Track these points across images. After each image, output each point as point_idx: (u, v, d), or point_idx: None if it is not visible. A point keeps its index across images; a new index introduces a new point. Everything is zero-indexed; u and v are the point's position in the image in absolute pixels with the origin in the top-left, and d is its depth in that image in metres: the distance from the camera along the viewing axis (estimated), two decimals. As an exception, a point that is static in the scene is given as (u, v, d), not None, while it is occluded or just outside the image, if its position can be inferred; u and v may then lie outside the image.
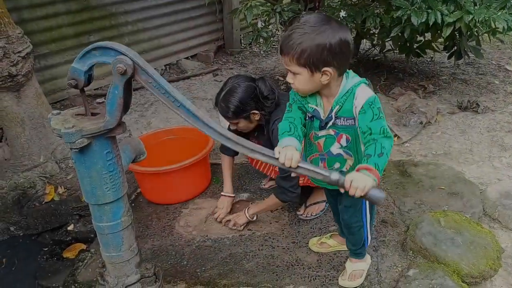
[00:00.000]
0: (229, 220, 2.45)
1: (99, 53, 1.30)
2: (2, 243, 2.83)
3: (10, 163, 3.15)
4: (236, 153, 2.56)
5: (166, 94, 1.33)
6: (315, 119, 1.62)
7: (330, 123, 1.58)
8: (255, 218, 2.41)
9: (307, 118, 1.65)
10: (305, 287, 2.01)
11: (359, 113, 1.50)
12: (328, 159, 1.67)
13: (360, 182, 1.32)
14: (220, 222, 2.49)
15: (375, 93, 1.69)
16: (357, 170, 1.38)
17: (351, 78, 1.54)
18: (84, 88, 1.36)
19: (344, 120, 1.56)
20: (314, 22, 1.44)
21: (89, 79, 1.35)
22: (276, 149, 1.41)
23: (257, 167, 2.60)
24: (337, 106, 1.54)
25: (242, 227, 2.41)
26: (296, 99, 1.63)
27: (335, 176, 1.34)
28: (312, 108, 1.59)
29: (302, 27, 1.43)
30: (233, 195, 2.58)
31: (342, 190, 1.38)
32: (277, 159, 1.38)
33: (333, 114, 1.55)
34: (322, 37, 1.41)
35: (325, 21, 1.45)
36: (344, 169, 1.67)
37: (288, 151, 1.38)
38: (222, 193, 2.58)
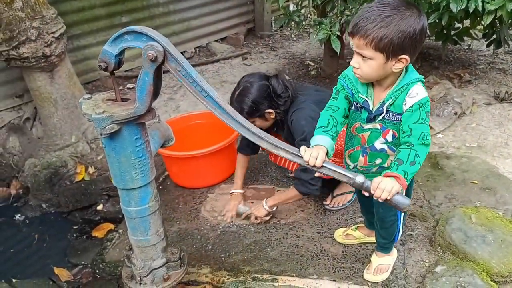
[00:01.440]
0: (248, 216, 2.41)
1: (131, 38, 1.30)
2: (34, 219, 2.93)
3: (43, 142, 3.24)
4: (253, 153, 2.54)
5: (194, 83, 1.31)
6: (363, 111, 1.55)
7: (380, 117, 1.51)
8: (275, 209, 2.36)
9: (353, 108, 1.59)
10: (329, 278, 2.00)
11: (406, 111, 1.44)
12: (370, 154, 1.62)
13: (388, 185, 1.30)
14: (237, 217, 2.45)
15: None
16: (385, 176, 1.35)
17: (410, 73, 1.47)
18: (114, 71, 1.37)
19: (393, 115, 1.49)
20: (396, 5, 1.35)
21: (119, 63, 1.35)
22: (303, 147, 1.39)
23: (277, 163, 2.56)
24: (390, 100, 1.47)
25: (268, 217, 2.37)
26: (346, 86, 1.56)
27: (360, 179, 1.32)
28: (363, 98, 1.53)
29: (383, 8, 1.34)
30: (242, 191, 2.55)
31: (366, 194, 1.35)
32: (302, 157, 1.36)
33: (384, 107, 1.49)
34: (408, 23, 1.33)
35: (407, 5, 1.37)
36: (385, 165, 1.62)
37: (314, 150, 1.35)
38: (231, 191, 2.54)
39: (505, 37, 3.77)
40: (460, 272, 1.92)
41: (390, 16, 1.33)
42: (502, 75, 4.23)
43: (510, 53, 4.72)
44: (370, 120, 1.54)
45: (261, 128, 2.25)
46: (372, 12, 1.35)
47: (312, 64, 4.66)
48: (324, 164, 1.36)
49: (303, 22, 3.44)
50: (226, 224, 2.42)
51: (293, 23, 3.50)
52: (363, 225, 2.19)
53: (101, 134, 1.33)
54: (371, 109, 1.53)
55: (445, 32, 3.93)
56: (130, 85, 1.45)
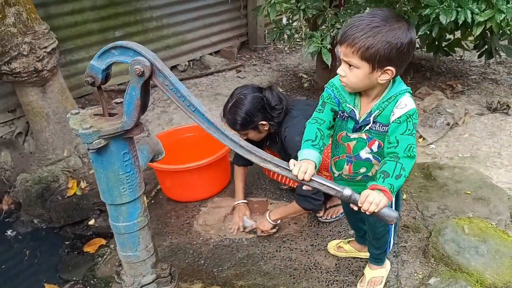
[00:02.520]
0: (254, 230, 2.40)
1: (118, 53, 1.30)
2: (26, 235, 2.90)
3: (35, 156, 3.22)
4: (249, 163, 2.53)
5: (181, 97, 1.31)
6: (349, 120, 1.55)
7: (367, 127, 1.52)
8: (279, 222, 2.34)
9: (339, 117, 1.59)
10: (322, 292, 1.98)
11: (393, 122, 1.44)
12: (355, 163, 1.62)
13: (376, 198, 1.30)
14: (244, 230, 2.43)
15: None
16: (371, 189, 1.34)
17: (398, 84, 1.48)
18: (102, 86, 1.36)
19: (380, 126, 1.49)
20: (386, 17, 1.36)
21: (106, 78, 1.35)
22: (292, 161, 1.38)
23: (270, 176, 2.55)
24: (378, 111, 1.47)
25: (274, 230, 2.34)
26: (333, 95, 1.55)
27: (347, 192, 1.32)
28: (349, 108, 1.53)
29: (372, 19, 1.35)
30: (245, 201, 2.55)
31: (355, 208, 1.35)
32: (290, 170, 1.36)
33: (371, 118, 1.49)
34: (395, 35, 1.34)
35: (396, 17, 1.38)
36: (370, 173, 1.62)
37: (303, 164, 1.35)
38: (234, 204, 2.53)
39: (496, 48, 3.80)
40: (454, 284, 1.91)
41: (379, 27, 1.34)
42: (494, 85, 4.26)
43: (501, 63, 4.76)
44: (356, 130, 1.54)
45: (254, 140, 2.28)
46: (361, 21, 1.36)
47: (305, 76, 4.68)
48: (313, 178, 1.36)
49: (295, 35, 3.46)
50: (219, 238, 2.40)
51: (285, 36, 3.52)
52: (354, 239, 2.17)
53: (88, 149, 1.33)
54: (357, 119, 1.52)
55: (436, 43, 3.96)
56: (118, 100, 1.44)
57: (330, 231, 2.36)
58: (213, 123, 1.34)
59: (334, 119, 1.60)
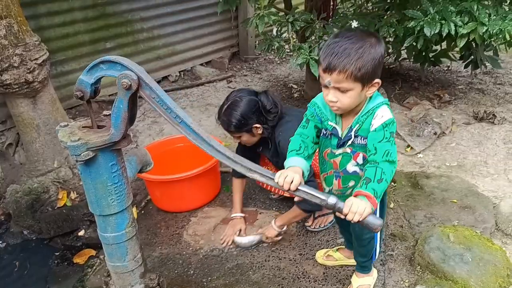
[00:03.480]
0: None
1: (106, 67, 1.33)
2: (15, 246, 2.89)
3: (25, 167, 3.21)
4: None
5: (168, 110, 1.34)
6: (333, 137, 1.60)
7: (349, 142, 1.56)
8: (285, 229, 2.35)
9: (323, 135, 1.64)
10: (310, 300, 2.00)
11: (371, 131, 1.49)
12: (343, 177, 1.66)
13: (360, 207, 1.32)
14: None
15: (390, 101, 1.68)
16: (355, 196, 1.37)
17: (375, 98, 1.53)
18: (91, 99, 1.39)
19: (361, 139, 1.54)
20: (361, 36, 1.44)
21: (95, 92, 1.37)
22: (279, 172, 1.40)
23: (266, 188, 2.58)
24: (357, 125, 1.53)
25: (279, 237, 2.35)
26: (316, 114, 1.61)
27: (332, 200, 1.34)
28: (331, 126, 1.58)
29: (351, 41, 1.41)
30: (242, 214, 2.56)
31: (341, 216, 1.36)
32: (275, 181, 1.37)
33: (352, 133, 1.54)
34: (376, 50, 1.42)
35: (367, 33, 1.47)
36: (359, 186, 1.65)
37: (289, 174, 1.37)
38: (232, 216, 2.55)
39: (481, 59, 3.88)
40: (439, 291, 1.94)
41: (362, 47, 1.40)
42: (480, 95, 4.33)
43: (488, 73, 4.84)
44: (340, 145, 1.59)
45: (247, 144, 2.30)
46: (342, 46, 1.40)
47: (295, 87, 4.73)
48: (298, 188, 1.37)
49: (285, 47, 3.51)
50: (208, 248, 2.42)
51: (274, 47, 3.57)
52: (344, 246, 2.20)
53: (76, 161, 1.35)
54: (340, 136, 1.58)
55: (423, 54, 4.03)
56: (106, 112, 1.46)
57: (319, 240, 2.39)
58: (199, 134, 1.37)
59: (318, 137, 1.65)
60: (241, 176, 2.53)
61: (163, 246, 2.47)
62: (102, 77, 1.35)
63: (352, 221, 1.33)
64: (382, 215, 1.83)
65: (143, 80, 1.30)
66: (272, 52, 5.63)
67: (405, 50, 4.07)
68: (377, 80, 1.46)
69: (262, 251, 2.35)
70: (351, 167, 1.61)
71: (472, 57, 4.00)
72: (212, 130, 3.44)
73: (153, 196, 2.83)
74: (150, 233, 2.58)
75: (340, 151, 1.60)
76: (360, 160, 1.59)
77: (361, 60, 1.39)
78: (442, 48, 4.20)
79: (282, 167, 2.28)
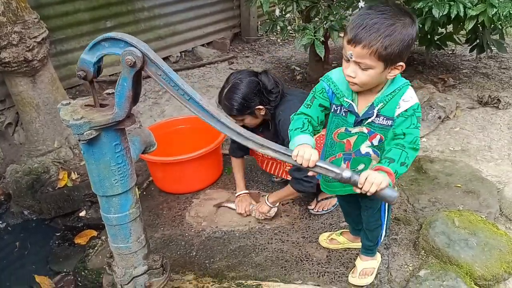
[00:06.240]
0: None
1: (109, 44, 1.28)
2: (16, 226, 2.88)
3: (25, 147, 3.18)
4: (246, 153, 2.53)
5: (175, 87, 1.30)
6: (349, 115, 1.53)
7: (369, 120, 1.50)
8: (277, 205, 2.37)
9: (335, 113, 1.57)
10: (314, 283, 2.00)
11: (400, 115, 1.44)
12: (353, 160, 1.60)
13: (377, 178, 1.29)
14: (246, 214, 2.47)
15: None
16: (376, 170, 1.34)
17: (399, 77, 1.47)
18: (94, 79, 1.35)
19: (383, 119, 1.48)
20: (395, 13, 1.34)
21: (98, 70, 1.33)
22: (294, 147, 1.37)
23: (267, 170, 2.55)
24: (381, 104, 1.46)
25: (272, 213, 2.36)
26: (329, 89, 1.53)
27: (346, 173, 1.30)
28: (348, 102, 1.51)
29: (384, 16, 1.32)
30: (248, 191, 2.56)
31: (356, 190, 1.33)
32: (290, 155, 1.35)
33: (375, 111, 1.47)
34: (407, 31, 1.33)
35: (402, 12, 1.37)
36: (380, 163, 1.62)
37: (306, 150, 1.33)
38: (237, 194, 2.54)
39: (488, 42, 3.82)
40: (444, 276, 1.93)
41: (393, 24, 1.32)
42: (485, 80, 4.28)
43: (493, 57, 4.78)
44: (357, 123, 1.53)
45: (250, 126, 2.27)
46: (373, 20, 1.32)
47: (298, 69, 4.67)
48: (317, 163, 1.34)
49: (288, 27, 3.45)
50: (211, 229, 2.40)
51: (278, 28, 3.50)
52: (348, 230, 2.19)
53: (79, 140, 1.31)
54: (357, 112, 1.51)
55: (428, 37, 3.97)
56: (109, 91, 1.43)
57: (322, 223, 2.37)
58: (209, 111, 1.33)
59: (324, 116, 1.59)
60: (240, 155, 2.53)
61: (166, 228, 2.45)
62: (104, 55, 1.30)
63: (368, 193, 1.30)
64: (389, 206, 1.85)
65: (149, 57, 1.25)
66: (275, 33, 5.60)
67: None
68: (401, 63, 1.37)
69: (264, 233, 2.33)
70: (364, 148, 1.56)
71: (478, 40, 3.95)
72: (214, 112, 3.39)
73: (155, 177, 2.80)
74: (152, 215, 2.56)
75: (356, 129, 1.54)
76: (375, 141, 1.54)
77: (389, 39, 1.30)
78: (448, 31, 4.14)
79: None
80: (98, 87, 3.99)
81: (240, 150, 2.49)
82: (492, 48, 3.99)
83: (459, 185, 2.63)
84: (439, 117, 3.48)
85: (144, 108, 3.87)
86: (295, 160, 1.33)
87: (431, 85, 3.97)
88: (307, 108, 1.57)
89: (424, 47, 4.16)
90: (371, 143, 1.55)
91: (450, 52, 4.94)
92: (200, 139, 2.75)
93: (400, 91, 1.45)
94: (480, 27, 3.66)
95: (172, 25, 4.72)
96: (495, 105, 3.72)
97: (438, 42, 4.06)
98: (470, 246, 2.06)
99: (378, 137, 1.52)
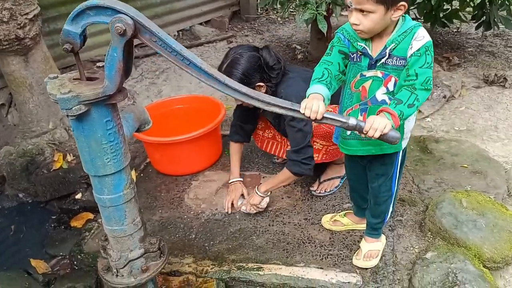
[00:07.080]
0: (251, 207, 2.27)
1: (94, 13, 1.18)
2: (11, 209, 2.82)
3: (19, 128, 3.11)
4: (246, 140, 2.44)
5: (173, 52, 1.20)
6: (363, 58, 1.53)
7: (383, 60, 1.49)
8: (269, 194, 2.24)
9: (351, 60, 1.57)
10: (316, 266, 1.93)
11: (412, 55, 1.43)
12: (370, 109, 1.57)
13: (381, 123, 1.32)
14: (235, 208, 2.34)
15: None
16: (380, 111, 1.37)
17: (409, 19, 1.49)
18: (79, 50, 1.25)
19: (396, 59, 1.48)
20: None
21: (84, 41, 1.24)
22: (303, 103, 1.34)
23: (267, 150, 2.47)
24: (393, 44, 1.46)
25: (265, 204, 2.23)
26: (343, 37, 1.55)
27: (352, 121, 1.32)
28: (361, 46, 1.51)
29: None
30: (241, 179, 2.44)
31: (362, 135, 1.37)
32: (298, 110, 1.33)
33: (387, 51, 1.47)
34: None
35: None
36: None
37: (314, 103, 1.32)
38: (230, 182, 2.41)
39: (495, 19, 3.71)
40: (451, 258, 1.86)
41: None
42: (491, 58, 4.18)
43: (498, 35, 4.67)
44: (371, 66, 1.52)
45: (249, 106, 2.17)
46: None
47: (299, 47, 4.56)
48: (324, 115, 1.33)
49: (288, 3, 3.33)
50: (210, 212, 2.33)
51: (278, 3, 3.39)
52: (351, 211, 2.11)
53: (67, 116, 1.22)
54: (371, 54, 1.50)
55: (434, 13, 3.85)
56: (99, 64, 1.34)
57: (324, 205, 2.30)
58: (211, 74, 1.25)
59: (345, 66, 1.59)
60: (238, 140, 2.43)
61: (164, 210, 2.38)
62: (90, 24, 1.21)
63: (373, 138, 1.32)
64: (399, 176, 1.79)
65: (141, 23, 1.16)
66: (275, 11, 5.47)
67: (416, 10, 3.89)
68: (402, 2, 1.39)
69: (265, 215, 2.26)
70: (380, 95, 1.53)
71: (485, 17, 3.83)
72: (212, 92, 3.30)
73: (152, 159, 2.72)
74: (150, 197, 2.49)
75: (371, 73, 1.53)
76: (391, 86, 1.51)
77: None
78: (453, 8, 4.02)
79: (283, 130, 2.19)
80: (93, 65, 3.88)
81: (239, 135, 2.40)
82: (499, 25, 3.87)
83: (465, 166, 2.55)
84: (444, 96, 3.39)
85: (141, 88, 3.77)
86: (303, 114, 1.32)
87: (436, 64, 3.87)
88: (327, 56, 1.58)
89: (430, 24, 4.04)
90: (387, 88, 1.52)
91: (455, 30, 4.82)
92: (198, 119, 2.67)
93: (411, 31, 1.45)
94: (488, 2, 3.54)
95: (169, 3, 4.59)
96: (501, 84, 3.62)
97: (443, 19, 3.94)
98: (479, 227, 1.99)
99: (393, 80, 1.50)
